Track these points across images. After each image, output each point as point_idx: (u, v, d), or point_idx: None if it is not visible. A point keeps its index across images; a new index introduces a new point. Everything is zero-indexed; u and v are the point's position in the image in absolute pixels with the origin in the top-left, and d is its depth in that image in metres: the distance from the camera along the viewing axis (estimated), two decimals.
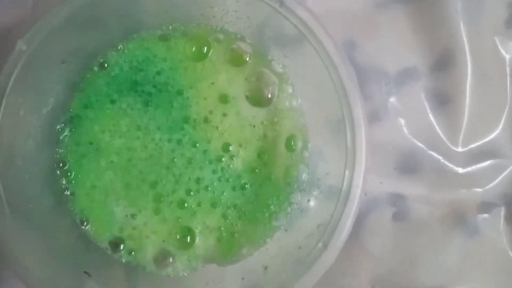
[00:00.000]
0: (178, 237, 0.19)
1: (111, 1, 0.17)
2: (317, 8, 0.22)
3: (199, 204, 0.19)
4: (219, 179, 0.19)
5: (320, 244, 0.17)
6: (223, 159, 0.19)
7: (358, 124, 0.18)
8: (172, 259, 0.19)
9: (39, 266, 0.16)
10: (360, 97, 0.18)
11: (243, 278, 0.19)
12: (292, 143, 0.20)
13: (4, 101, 0.16)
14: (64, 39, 0.17)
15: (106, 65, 0.19)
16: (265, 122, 0.20)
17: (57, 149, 0.19)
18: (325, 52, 0.17)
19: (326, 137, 0.20)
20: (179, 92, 0.19)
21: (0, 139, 0.16)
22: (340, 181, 0.18)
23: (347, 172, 0.18)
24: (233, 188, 0.19)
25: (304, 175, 0.20)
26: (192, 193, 0.19)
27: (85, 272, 0.18)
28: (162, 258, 0.19)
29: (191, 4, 0.19)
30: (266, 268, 0.19)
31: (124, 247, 0.19)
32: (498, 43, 0.23)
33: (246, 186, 0.19)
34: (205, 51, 0.19)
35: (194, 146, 0.19)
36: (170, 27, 0.20)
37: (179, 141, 0.19)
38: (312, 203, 0.20)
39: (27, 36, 0.16)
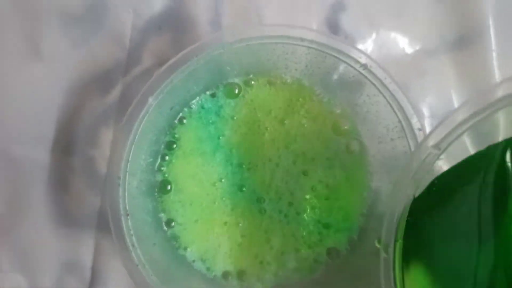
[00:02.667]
0: None
1: (207, 64, 0.20)
2: (374, 57, 0.24)
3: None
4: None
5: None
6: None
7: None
8: None
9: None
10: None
11: None
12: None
13: (136, 137, 0.19)
14: (176, 93, 0.20)
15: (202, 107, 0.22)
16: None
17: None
18: (403, 111, 0.20)
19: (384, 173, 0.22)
20: None
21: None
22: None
23: None
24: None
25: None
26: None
27: None
28: None
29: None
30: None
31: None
32: None
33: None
34: None
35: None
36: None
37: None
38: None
39: (155, 94, 0.18)
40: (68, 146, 0.23)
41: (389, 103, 0.20)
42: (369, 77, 0.20)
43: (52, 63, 0.23)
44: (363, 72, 0.20)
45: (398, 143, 0.20)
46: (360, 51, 0.19)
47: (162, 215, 0.21)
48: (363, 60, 0.19)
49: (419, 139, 0.20)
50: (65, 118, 0.23)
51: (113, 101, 0.23)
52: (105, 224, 0.23)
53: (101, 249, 0.23)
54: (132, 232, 0.18)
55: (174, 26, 0.23)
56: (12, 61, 0.23)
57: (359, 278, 0.21)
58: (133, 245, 0.18)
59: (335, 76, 0.21)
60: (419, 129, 0.19)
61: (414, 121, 0.19)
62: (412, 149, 0.20)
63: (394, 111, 0.20)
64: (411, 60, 0.25)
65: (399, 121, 0.20)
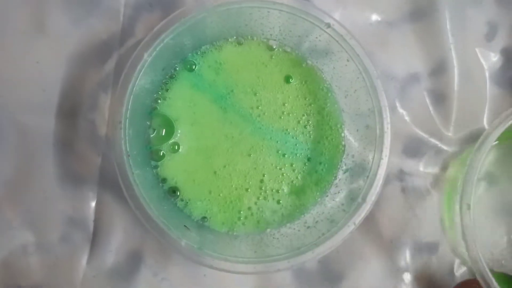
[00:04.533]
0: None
1: (192, 27, 0.23)
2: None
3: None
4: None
5: (359, 199, 0.23)
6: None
7: (385, 114, 0.23)
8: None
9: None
10: (384, 94, 0.24)
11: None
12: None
13: (135, 88, 0.22)
14: (167, 53, 0.23)
15: (193, 67, 0.25)
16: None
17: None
18: (360, 60, 0.23)
19: (358, 125, 0.25)
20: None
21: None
22: (370, 160, 0.23)
23: (376, 154, 0.23)
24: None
25: (344, 156, 0.25)
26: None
27: (185, 226, 0.23)
28: None
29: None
30: (309, 227, 0.25)
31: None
32: (478, 53, 0.29)
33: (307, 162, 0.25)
34: None
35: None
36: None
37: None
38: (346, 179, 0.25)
39: (149, 51, 0.21)
40: (71, 112, 0.26)
41: (351, 57, 0.23)
42: (333, 34, 0.23)
43: (55, 37, 0.26)
44: (327, 30, 0.23)
45: (360, 93, 0.24)
46: (324, 12, 0.23)
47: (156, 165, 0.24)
48: (326, 19, 0.22)
49: (378, 87, 0.23)
50: (68, 87, 0.26)
51: (109, 70, 0.26)
52: (106, 180, 0.26)
53: (103, 203, 0.26)
54: (133, 170, 0.21)
55: (163, 3, 0.27)
56: (20, 37, 0.26)
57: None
58: (134, 182, 0.21)
59: (305, 39, 0.24)
60: (377, 77, 0.23)
61: (372, 71, 0.23)
62: (372, 95, 0.23)
63: (355, 64, 0.23)
64: (375, 31, 0.28)
65: (360, 72, 0.23)
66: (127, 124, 0.21)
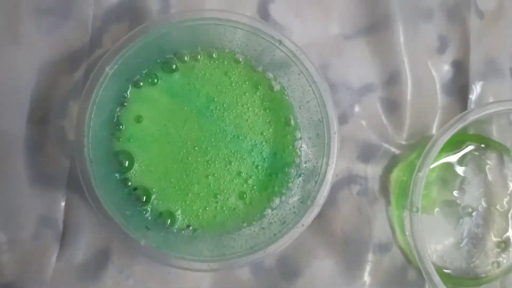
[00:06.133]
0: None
1: (157, 39, 0.24)
2: (301, 40, 0.28)
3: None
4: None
5: (308, 202, 0.25)
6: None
7: (332, 124, 0.25)
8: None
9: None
10: (333, 105, 0.25)
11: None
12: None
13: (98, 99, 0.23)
14: (129, 65, 0.24)
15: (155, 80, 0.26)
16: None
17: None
18: (309, 73, 0.25)
19: (310, 133, 0.27)
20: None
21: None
22: (319, 166, 0.25)
23: (324, 160, 0.25)
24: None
25: (298, 162, 0.27)
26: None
27: (146, 227, 0.25)
28: None
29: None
30: (263, 228, 0.27)
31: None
32: (430, 65, 0.31)
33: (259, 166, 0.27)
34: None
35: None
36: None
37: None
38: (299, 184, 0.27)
39: (111, 64, 0.23)
40: (42, 118, 0.28)
41: (301, 71, 0.25)
42: (284, 50, 0.25)
43: (27, 46, 0.27)
44: (279, 47, 0.25)
45: (311, 104, 0.25)
46: (275, 29, 0.24)
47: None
48: (278, 37, 0.24)
49: (326, 99, 0.25)
50: (39, 94, 0.28)
51: (78, 78, 0.28)
52: (75, 182, 0.28)
53: (72, 204, 0.28)
54: (95, 175, 0.23)
55: (130, 15, 0.28)
56: None
57: None
58: (96, 186, 0.23)
59: (264, 53, 0.26)
60: (325, 90, 0.25)
61: (321, 84, 0.25)
62: (321, 106, 0.25)
63: (305, 77, 0.25)
64: (332, 43, 0.30)
65: (310, 85, 0.25)
66: (90, 132, 0.23)
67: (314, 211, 0.24)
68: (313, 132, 0.26)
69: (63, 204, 0.28)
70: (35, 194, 0.27)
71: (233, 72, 0.27)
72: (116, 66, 0.23)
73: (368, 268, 0.29)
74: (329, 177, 0.25)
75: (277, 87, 0.27)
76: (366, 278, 0.29)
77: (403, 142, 0.30)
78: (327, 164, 0.25)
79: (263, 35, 0.24)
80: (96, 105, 0.23)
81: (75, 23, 0.28)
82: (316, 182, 0.25)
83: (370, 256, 0.29)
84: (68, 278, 0.27)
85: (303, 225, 0.24)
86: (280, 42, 0.24)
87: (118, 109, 0.26)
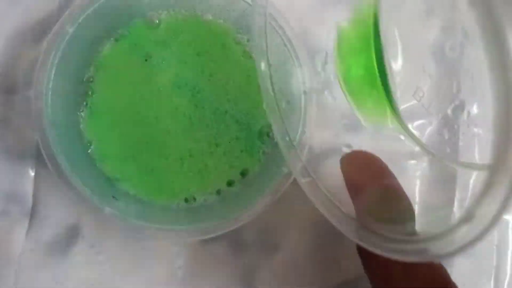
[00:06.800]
0: None
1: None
2: (278, 4, 0.27)
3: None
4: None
5: (283, 168, 0.23)
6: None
7: (308, 87, 0.24)
8: None
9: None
10: (309, 65, 0.24)
11: None
12: None
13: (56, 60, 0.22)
14: (92, 25, 0.23)
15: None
16: None
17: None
18: (284, 31, 0.24)
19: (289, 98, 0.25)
20: None
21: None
22: (295, 133, 0.24)
23: (300, 125, 0.24)
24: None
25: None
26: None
27: (113, 196, 0.24)
28: None
29: None
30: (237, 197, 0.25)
31: None
32: (418, 30, 0.29)
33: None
34: None
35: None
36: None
37: None
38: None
39: (72, 21, 0.22)
40: (8, 89, 0.26)
41: (275, 29, 0.24)
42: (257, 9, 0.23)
43: None
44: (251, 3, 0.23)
45: (288, 66, 0.24)
46: None
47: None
48: None
49: (302, 58, 0.23)
50: (6, 64, 0.27)
51: None
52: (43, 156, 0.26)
53: (40, 178, 0.26)
54: (57, 141, 0.22)
55: None
56: None
57: None
58: (57, 152, 0.22)
59: (241, 19, 0.25)
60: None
61: (295, 42, 0.23)
62: (297, 64, 0.23)
63: (280, 36, 0.24)
64: (312, 8, 0.29)
65: (285, 44, 0.24)
66: (50, 95, 0.22)
67: (290, 178, 0.23)
68: (291, 96, 0.25)
69: (32, 177, 0.26)
70: (3, 168, 0.26)
71: (207, 38, 0.26)
72: (77, 25, 0.22)
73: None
74: (306, 143, 0.23)
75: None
76: (351, 250, 0.28)
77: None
78: (303, 128, 0.24)
79: None
80: (56, 67, 0.22)
81: None
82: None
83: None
84: (38, 254, 0.26)
85: (277, 191, 0.23)
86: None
87: (84, 74, 0.24)
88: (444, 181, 0.30)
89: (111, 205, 0.22)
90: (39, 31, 0.27)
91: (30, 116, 0.26)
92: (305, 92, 0.23)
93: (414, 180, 0.29)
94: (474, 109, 0.30)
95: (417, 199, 0.29)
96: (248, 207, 0.23)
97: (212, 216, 0.23)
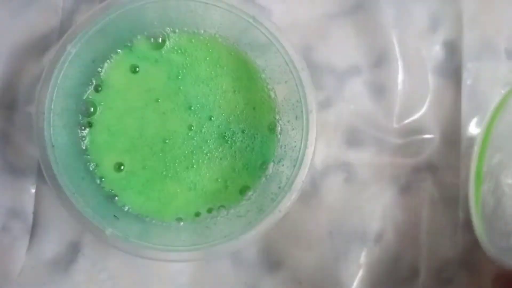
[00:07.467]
0: None
1: (124, 17, 0.23)
2: (282, 21, 0.27)
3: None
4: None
5: (286, 187, 0.23)
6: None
7: (311, 106, 0.23)
8: None
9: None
10: (311, 84, 0.23)
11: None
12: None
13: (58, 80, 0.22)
14: (94, 44, 0.23)
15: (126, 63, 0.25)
16: None
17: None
18: (286, 51, 0.23)
19: (289, 116, 0.25)
20: None
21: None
22: (298, 149, 0.24)
23: (303, 143, 0.23)
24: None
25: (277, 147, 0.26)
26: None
27: (114, 215, 0.24)
28: None
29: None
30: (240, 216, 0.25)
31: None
32: (421, 45, 0.29)
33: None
34: None
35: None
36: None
37: None
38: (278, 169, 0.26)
39: (73, 42, 0.22)
40: (9, 104, 0.26)
41: (277, 49, 0.23)
42: (259, 27, 0.23)
43: None
44: (254, 23, 0.23)
45: (290, 84, 0.24)
46: (250, 6, 0.23)
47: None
48: (251, 12, 0.23)
49: (304, 79, 0.23)
50: (7, 79, 0.26)
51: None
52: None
53: (41, 195, 0.26)
54: (57, 161, 0.21)
55: None
56: None
57: None
58: (58, 172, 0.21)
59: (242, 36, 0.25)
60: (302, 69, 0.23)
61: (298, 62, 0.23)
62: (298, 87, 0.23)
63: (282, 55, 0.23)
64: (315, 24, 0.28)
65: (286, 64, 0.23)
66: (51, 115, 0.21)
67: (292, 196, 0.23)
68: (292, 114, 0.25)
69: (33, 195, 0.26)
70: (3, 184, 0.26)
71: (210, 54, 0.25)
72: (79, 44, 0.22)
73: (358, 258, 0.28)
74: (308, 161, 0.23)
75: (255, 69, 0.26)
76: (356, 269, 0.27)
77: (393, 126, 0.29)
78: (305, 146, 0.23)
79: (236, 11, 0.23)
80: (57, 87, 0.22)
81: (44, 5, 0.27)
82: (294, 166, 0.23)
83: (359, 247, 0.28)
84: (38, 272, 0.26)
85: (280, 211, 0.23)
86: (254, 18, 0.23)
87: (85, 93, 0.24)
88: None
89: (113, 225, 0.22)
90: (40, 46, 0.27)
91: (31, 132, 0.26)
92: (311, 111, 0.23)
93: (418, 197, 0.29)
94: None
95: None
96: (251, 227, 0.23)
97: (215, 236, 0.23)
